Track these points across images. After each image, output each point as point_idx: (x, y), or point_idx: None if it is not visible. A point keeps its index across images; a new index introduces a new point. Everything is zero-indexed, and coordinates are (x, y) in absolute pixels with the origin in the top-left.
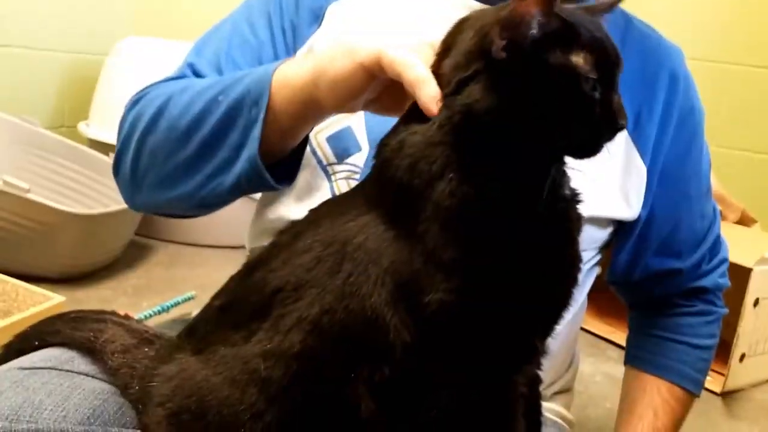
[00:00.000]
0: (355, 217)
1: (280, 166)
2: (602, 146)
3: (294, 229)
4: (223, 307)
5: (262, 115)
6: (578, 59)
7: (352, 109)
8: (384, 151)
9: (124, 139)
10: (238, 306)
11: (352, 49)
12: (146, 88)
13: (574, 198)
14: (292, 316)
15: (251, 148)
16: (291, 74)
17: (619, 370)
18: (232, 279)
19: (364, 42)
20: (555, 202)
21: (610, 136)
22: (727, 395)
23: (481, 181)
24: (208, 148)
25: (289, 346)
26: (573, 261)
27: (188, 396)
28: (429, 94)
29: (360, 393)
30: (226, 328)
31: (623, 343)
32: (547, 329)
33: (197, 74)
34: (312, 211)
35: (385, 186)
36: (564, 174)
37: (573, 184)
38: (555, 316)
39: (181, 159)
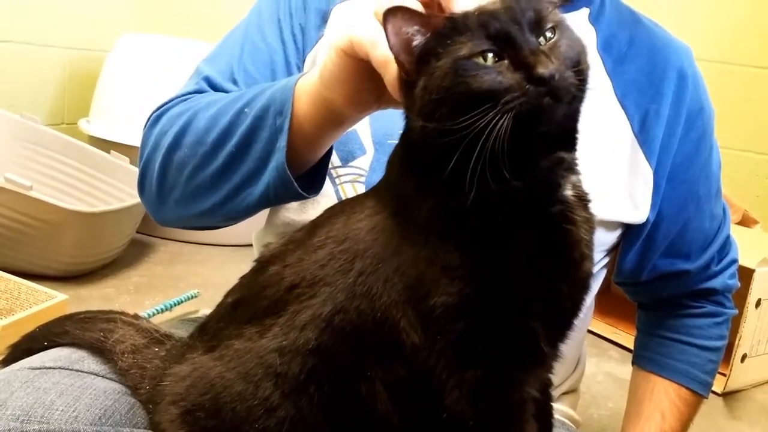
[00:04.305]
0: (367, 216)
1: (306, 176)
2: (544, 108)
3: (309, 226)
4: (236, 303)
5: (287, 123)
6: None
7: (366, 106)
8: (394, 148)
9: (148, 157)
10: (253, 301)
11: (331, 39)
12: (164, 104)
13: (580, 199)
14: (306, 313)
15: (278, 156)
16: (306, 81)
17: (621, 370)
18: (245, 276)
19: (339, 28)
20: (550, 205)
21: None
22: (728, 395)
23: (449, 190)
24: (235, 161)
25: (304, 342)
26: (582, 268)
27: (203, 394)
28: (394, 74)
29: (377, 391)
30: (239, 323)
31: (625, 343)
32: (559, 335)
33: (214, 87)
34: (328, 210)
35: (390, 186)
36: (563, 176)
37: (581, 186)
38: (566, 323)
39: (209, 173)
